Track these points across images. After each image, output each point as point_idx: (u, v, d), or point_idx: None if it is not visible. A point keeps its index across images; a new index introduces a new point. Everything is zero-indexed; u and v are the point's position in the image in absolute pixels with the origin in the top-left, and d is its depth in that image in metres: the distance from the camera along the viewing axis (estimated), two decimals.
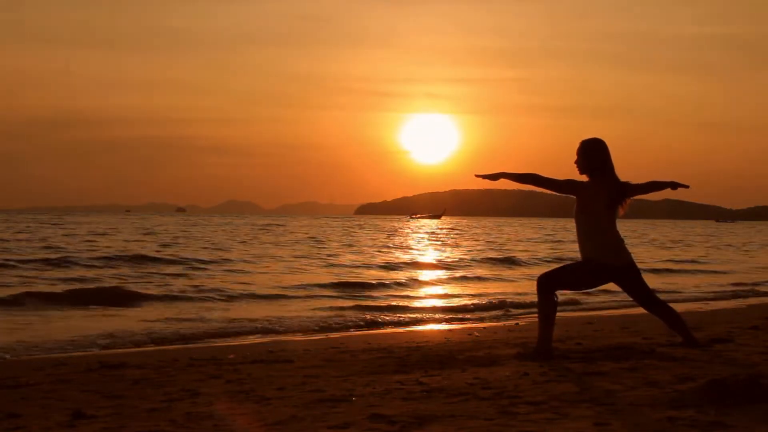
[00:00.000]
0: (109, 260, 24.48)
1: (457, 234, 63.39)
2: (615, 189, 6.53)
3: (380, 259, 29.61)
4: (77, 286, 17.09)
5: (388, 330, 11.79)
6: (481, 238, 54.65)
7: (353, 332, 11.47)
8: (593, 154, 6.56)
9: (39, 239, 38.65)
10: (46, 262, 23.16)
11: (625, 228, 7.01)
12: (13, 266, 21.72)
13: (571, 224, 6.86)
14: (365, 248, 38.11)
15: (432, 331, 11.50)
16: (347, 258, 30.02)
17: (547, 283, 6.54)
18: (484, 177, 6.70)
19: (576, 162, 6.63)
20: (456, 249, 38.73)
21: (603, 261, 6.52)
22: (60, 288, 16.65)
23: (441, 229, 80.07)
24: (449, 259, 29.83)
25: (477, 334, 10.07)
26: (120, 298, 15.14)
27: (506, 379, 5.63)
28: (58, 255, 25.86)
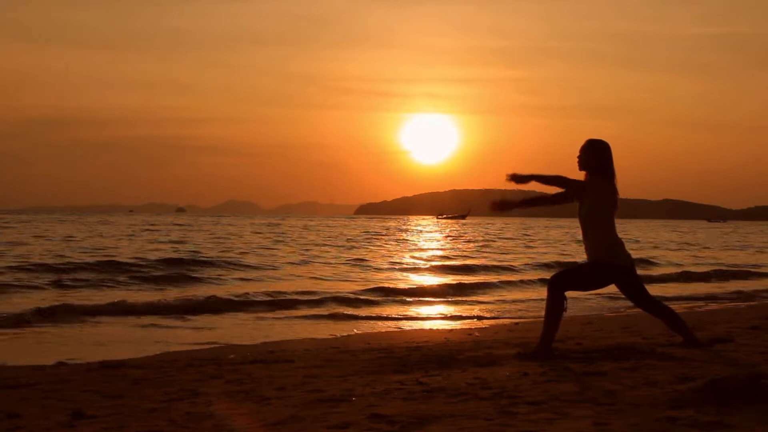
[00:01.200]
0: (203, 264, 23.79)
1: (504, 236, 60.84)
2: (616, 192, 6.59)
3: (464, 261, 29.11)
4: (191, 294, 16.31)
5: (388, 330, 11.79)
6: (522, 239, 53.19)
7: (354, 332, 11.46)
8: (598, 154, 6.60)
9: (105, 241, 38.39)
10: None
11: (619, 228, 6.99)
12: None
13: (575, 223, 6.87)
14: (439, 249, 37.58)
15: (432, 331, 11.50)
16: (431, 259, 29.64)
17: (558, 284, 6.56)
18: (517, 178, 6.66)
19: (579, 157, 6.66)
20: (525, 251, 37.89)
21: (608, 261, 6.54)
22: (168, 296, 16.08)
23: (483, 230, 76.38)
24: (533, 261, 28.98)
25: (477, 334, 10.08)
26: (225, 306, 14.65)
27: (506, 379, 5.63)
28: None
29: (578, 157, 6.68)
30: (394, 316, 13.76)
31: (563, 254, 35.13)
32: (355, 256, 30.46)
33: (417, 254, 33.52)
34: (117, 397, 5.75)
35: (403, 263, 27.68)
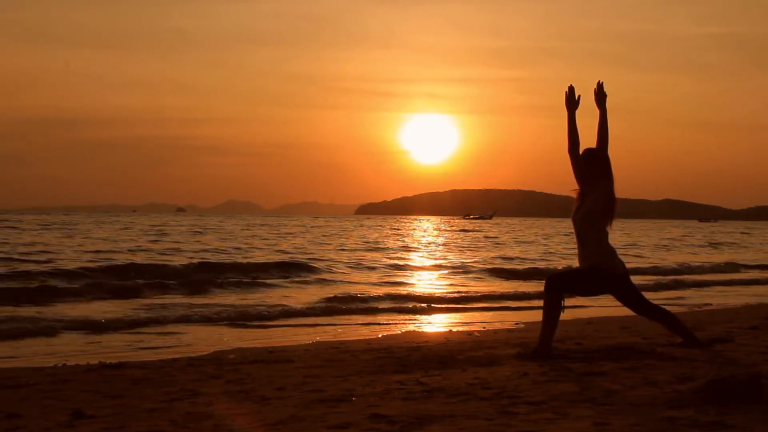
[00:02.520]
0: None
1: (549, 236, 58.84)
2: (615, 200, 6.59)
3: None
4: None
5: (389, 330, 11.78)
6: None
7: (357, 333, 11.45)
8: (602, 162, 6.60)
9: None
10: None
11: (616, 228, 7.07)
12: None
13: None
14: (519, 251, 37.00)
15: (432, 331, 11.50)
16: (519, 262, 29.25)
17: (556, 285, 6.56)
18: (601, 93, 6.68)
19: (583, 166, 6.65)
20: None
21: (609, 268, 6.53)
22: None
23: (523, 230, 74.33)
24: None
25: (477, 334, 10.08)
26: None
27: (506, 379, 5.63)
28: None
29: (583, 165, 6.66)
30: None
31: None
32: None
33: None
34: (117, 397, 5.75)
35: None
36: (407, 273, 23.89)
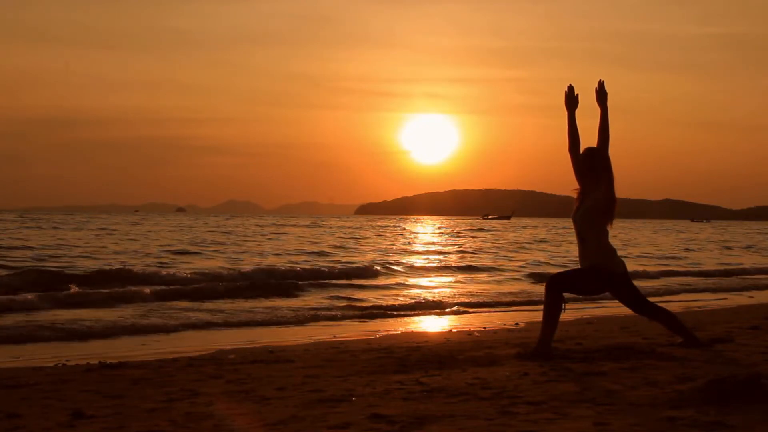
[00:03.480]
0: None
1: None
2: (615, 200, 6.58)
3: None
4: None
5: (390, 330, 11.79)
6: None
7: (357, 333, 11.44)
8: (604, 161, 6.60)
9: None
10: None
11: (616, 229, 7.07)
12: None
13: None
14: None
15: (432, 331, 11.50)
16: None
17: (557, 285, 6.55)
18: (602, 92, 6.69)
19: (585, 165, 6.65)
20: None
21: (609, 267, 6.52)
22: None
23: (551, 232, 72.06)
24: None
25: (477, 334, 10.08)
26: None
27: (506, 379, 5.63)
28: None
29: (584, 165, 6.66)
30: None
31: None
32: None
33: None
34: (117, 397, 5.74)
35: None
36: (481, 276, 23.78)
